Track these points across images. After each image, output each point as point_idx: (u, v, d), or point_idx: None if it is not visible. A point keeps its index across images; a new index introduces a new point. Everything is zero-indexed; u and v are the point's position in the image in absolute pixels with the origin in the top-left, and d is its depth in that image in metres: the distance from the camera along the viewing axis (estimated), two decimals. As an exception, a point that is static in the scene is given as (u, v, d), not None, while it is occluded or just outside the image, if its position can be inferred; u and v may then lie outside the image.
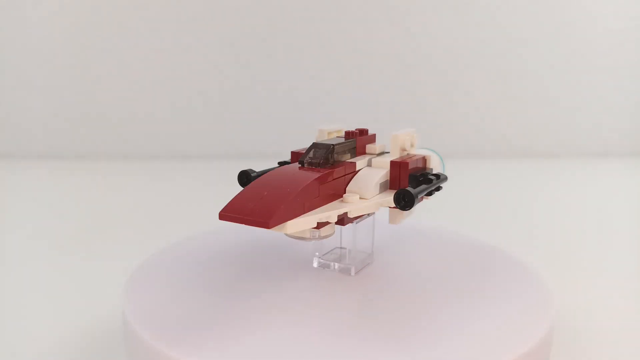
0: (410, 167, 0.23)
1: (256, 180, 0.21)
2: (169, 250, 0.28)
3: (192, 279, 0.24)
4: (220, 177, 0.67)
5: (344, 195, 0.22)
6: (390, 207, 0.24)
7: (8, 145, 0.78)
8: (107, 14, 0.76)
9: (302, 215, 0.19)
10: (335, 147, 0.22)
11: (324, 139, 0.26)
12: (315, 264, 0.26)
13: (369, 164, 0.24)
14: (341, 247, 0.27)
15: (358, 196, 0.22)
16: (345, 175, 0.22)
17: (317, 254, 0.26)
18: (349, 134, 0.25)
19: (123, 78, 0.78)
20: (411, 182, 0.23)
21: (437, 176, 0.24)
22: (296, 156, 0.24)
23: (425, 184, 0.23)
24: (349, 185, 0.23)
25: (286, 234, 0.20)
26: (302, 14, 0.79)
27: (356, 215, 0.23)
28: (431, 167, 0.25)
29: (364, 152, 0.25)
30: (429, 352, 0.19)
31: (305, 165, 0.22)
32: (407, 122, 0.80)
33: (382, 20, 0.80)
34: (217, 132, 0.80)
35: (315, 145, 0.23)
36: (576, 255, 0.39)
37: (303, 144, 0.25)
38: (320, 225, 0.21)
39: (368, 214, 0.25)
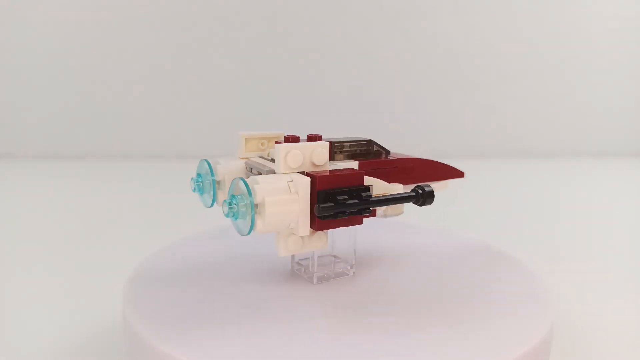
0: None
1: None
2: (168, 250, 0.28)
3: (192, 279, 0.24)
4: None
5: None
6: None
7: (8, 145, 0.78)
8: (107, 14, 0.76)
9: None
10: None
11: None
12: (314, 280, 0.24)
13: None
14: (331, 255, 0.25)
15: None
16: None
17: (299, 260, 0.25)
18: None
19: (123, 78, 0.78)
20: None
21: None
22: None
23: None
24: None
25: None
26: (302, 13, 0.79)
27: None
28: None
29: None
30: (429, 352, 0.19)
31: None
32: (407, 122, 0.80)
33: (382, 21, 0.80)
34: (217, 132, 0.80)
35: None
36: (576, 255, 0.39)
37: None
38: None
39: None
